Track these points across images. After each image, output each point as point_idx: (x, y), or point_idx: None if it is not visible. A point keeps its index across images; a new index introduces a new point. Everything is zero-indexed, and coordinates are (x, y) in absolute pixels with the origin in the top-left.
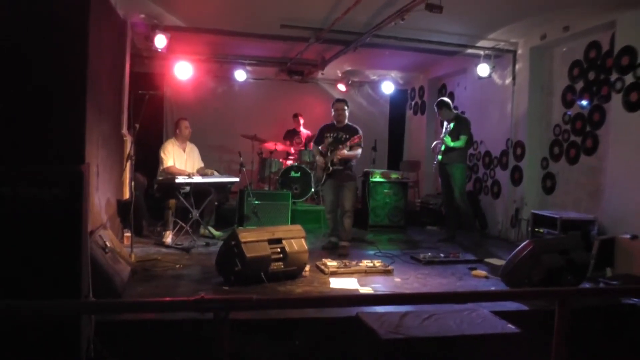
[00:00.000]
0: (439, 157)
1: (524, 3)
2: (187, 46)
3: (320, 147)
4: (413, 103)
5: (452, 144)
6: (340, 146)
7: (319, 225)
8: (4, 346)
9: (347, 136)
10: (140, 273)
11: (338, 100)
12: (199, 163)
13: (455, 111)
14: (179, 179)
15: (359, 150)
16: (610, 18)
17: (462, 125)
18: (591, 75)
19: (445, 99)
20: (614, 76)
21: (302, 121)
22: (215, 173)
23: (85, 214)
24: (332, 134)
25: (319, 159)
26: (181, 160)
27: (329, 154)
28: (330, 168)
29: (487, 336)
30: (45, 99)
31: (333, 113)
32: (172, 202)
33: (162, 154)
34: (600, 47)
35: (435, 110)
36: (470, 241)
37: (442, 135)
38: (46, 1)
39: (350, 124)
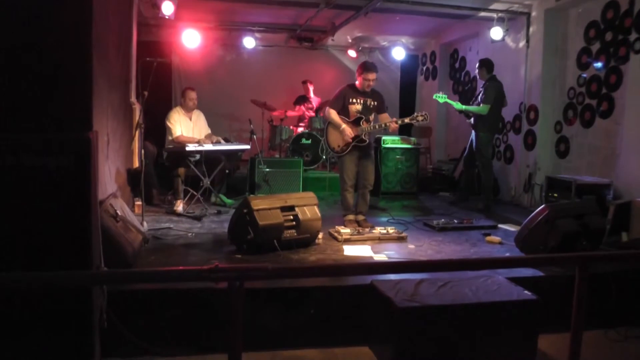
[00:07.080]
0: (471, 120)
1: None
2: (194, 13)
3: (352, 113)
4: (424, 68)
5: (459, 107)
6: (388, 122)
7: (331, 193)
8: (17, 318)
9: (375, 103)
10: (151, 242)
11: (372, 69)
12: (205, 130)
13: (490, 75)
14: (190, 147)
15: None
16: None
17: (487, 93)
18: (608, 36)
19: (488, 59)
20: (633, 36)
21: (311, 88)
22: (222, 141)
23: (94, 182)
24: (358, 100)
25: (345, 128)
26: (188, 128)
27: (362, 123)
28: (367, 140)
29: (504, 303)
30: (49, 65)
31: (361, 82)
32: (182, 170)
33: (168, 123)
34: (618, 6)
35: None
36: (481, 206)
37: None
38: None
39: (373, 88)
